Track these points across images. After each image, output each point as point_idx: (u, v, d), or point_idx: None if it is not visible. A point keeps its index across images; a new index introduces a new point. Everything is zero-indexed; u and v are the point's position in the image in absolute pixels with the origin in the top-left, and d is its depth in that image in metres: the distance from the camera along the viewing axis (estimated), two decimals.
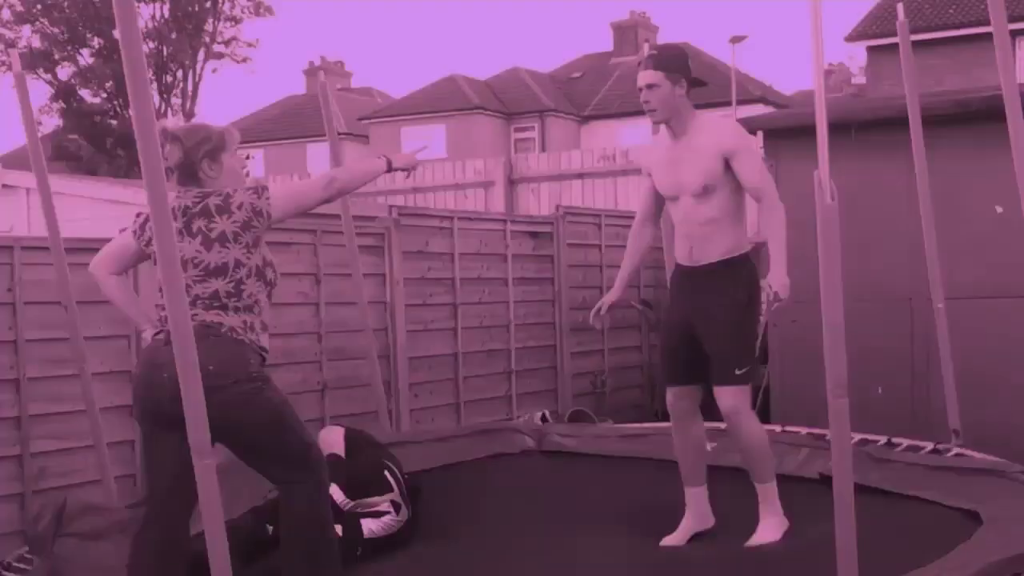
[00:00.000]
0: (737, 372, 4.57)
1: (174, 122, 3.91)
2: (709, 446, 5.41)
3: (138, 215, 3.98)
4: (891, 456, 5.47)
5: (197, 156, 3.77)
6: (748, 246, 4.70)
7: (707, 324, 4.63)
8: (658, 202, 4.94)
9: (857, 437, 5.56)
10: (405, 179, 3.94)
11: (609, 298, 5.01)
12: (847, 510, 3.23)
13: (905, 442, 5.76)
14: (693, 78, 4.69)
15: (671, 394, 4.86)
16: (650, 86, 4.62)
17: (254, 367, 3.69)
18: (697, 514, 4.87)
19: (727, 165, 4.55)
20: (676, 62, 4.66)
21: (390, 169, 4.06)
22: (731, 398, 4.59)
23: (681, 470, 4.90)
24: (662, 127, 4.77)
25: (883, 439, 5.80)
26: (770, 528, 4.67)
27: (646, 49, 7.01)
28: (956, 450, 5.51)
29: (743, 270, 4.61)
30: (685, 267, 4.77)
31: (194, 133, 3.81)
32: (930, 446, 5.62)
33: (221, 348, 3.61)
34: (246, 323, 3.71)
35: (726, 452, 5.70)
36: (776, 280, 4.34)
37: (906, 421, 6.78)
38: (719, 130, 4.65)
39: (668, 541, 4.77)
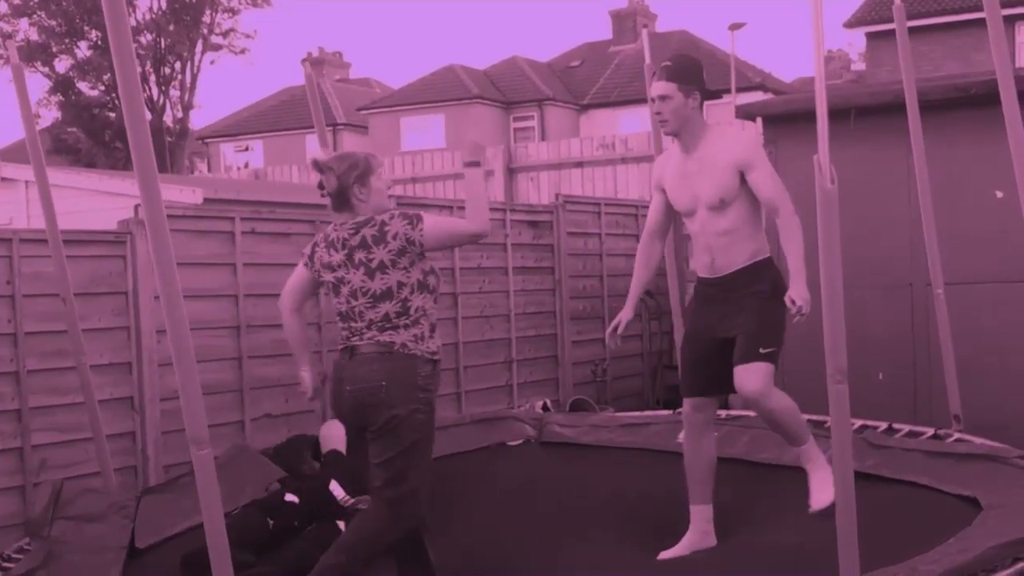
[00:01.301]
0: (762, 350, 4.43)
1: (322, 154, 4.14)
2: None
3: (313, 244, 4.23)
4: (889, 443, 5.47)
5: (349, 182, 4.05)
6: (768, 250, 4.62)
7: (733, 318, 4.53)
8: (668, 216, 4.86)
9: (857, 423, 5.56)
10: (489, 175, 4.04)
11: (623, 316, 4.90)
12: (848, 496, 3.23)
13: (906, 428, 5.76)
14: (707, 89, 4.61)
15: (689, 405, 4.75)
16: (662, 97, 4.54)
17: (423, 378, 4.01)
18: (699, 532, 4.73)
19: (742, 178, 4.47)
20: (689, 73, 4.58)
21: (480, 167, 4.21)
22: (755, 379, 4.40)
23: (689, 485, 4.77)
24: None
25: (884, 425, 5.79)
26: (824, 483, 4.45)
27: (644, 36, 7.02)
28: (956, 436, 5.51)
29: (766, 269, 4.55)
30: (708, 278, 4.69)
31: (342, 161, 4.09)
32: (930, 432, 5.61)
33: (394, 364, 3.97)
34: (416, 336, 4.01)
35: (727, 442, 5.73)
36: (797, 294, 4.25)
37: (907, 407, 6.78)
38: (732, 143, 4.56)
39: (666, 555, 4.65)
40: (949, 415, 5.71)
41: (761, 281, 4.49)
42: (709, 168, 4.52)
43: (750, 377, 4.43)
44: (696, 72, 4.61)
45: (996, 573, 3.58)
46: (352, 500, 5.01)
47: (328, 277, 4.12)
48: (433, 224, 4.02)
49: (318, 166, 4.08)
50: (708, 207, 4.55)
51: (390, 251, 3.97)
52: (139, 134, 3.00)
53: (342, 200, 4.08)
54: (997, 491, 4.43)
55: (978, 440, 5.31)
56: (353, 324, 4.06)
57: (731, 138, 4.62)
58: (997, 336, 6.77)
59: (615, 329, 4.88)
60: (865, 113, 7.01)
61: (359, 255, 4.01)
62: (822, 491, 4.45)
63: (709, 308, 4.67)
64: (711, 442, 4.79)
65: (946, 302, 5.62)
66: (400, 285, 3.99)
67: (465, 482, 5.84)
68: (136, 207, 6.10)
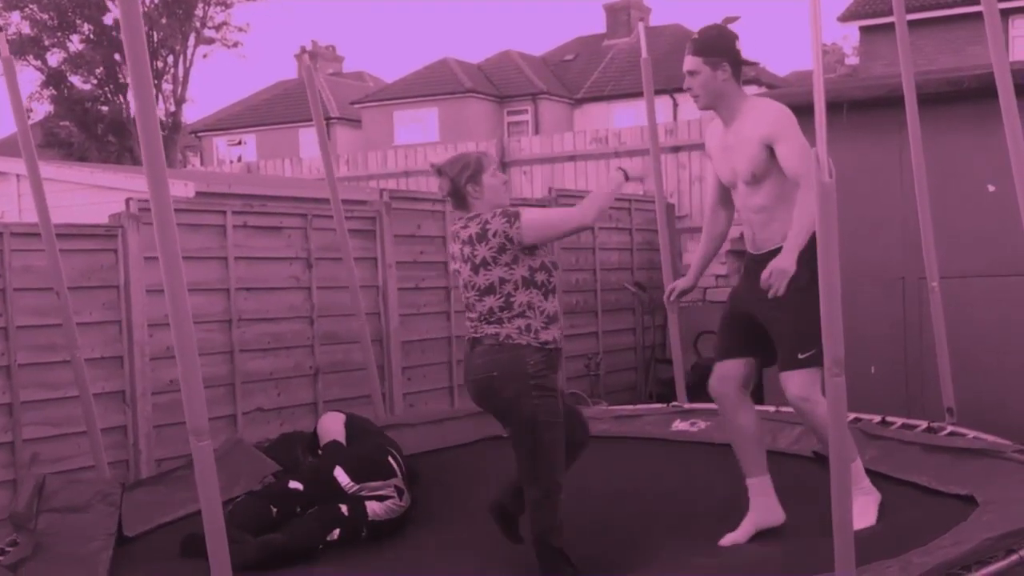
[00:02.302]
0: (800, 356, 4.28)
1: (440, 158, 4.47)
2: (694, 423, 5.34)
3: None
4: (886, 433, 5.47)
5: (462, 182, 4.32)
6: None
7: (768, 309, 4.34)
8: (726, 186, 4.72)
9: (851, 416, 5.55)
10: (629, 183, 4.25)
11: (681, 284, 4.86)
12: (844, 488, 3.21)
13: (899, 421, 5.76)
14: (740, 59, 4.45)
15: (714, 375, 4.63)
16: (690, 72, 4.44)
17: (533, 366, 4.16)
18: (759, 507, 4.57)
19: (772, 152, 4.34)
20: (716, 45, 4.44)
21: (628, 178, 4.34)
22: (796, 385, 4.33)
23: (739, 460, 4.65)
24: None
25: (877, 418, 5.79)
26: (863, 508, 4.33)
27: (639, 29, 6.99)
28: (950, 428, 5.50)
29: (805, 252, 4.12)
30: (752, 254, 4.58)
31: (455, 163, 4.39)
32: (924, 425, 5.61)
33: (502, 356, 4.18)
34: (521, 328, 4.18)
35: (719, 430, 5.72)
36: (779, 262, 4.14)
37: (901, 400, 6.79)
38: (762, 115, 4.40)
39: (728, 540, 4.49)
40: (942, 408, 5.70)
41: (799, 267, 4.15)
42: (743, 142, 4.42)
43: (790, 383, 4.36)
44: (724, 42, 4.46)
45: (990, 565, 3.58)
46: (356, 487, 5.03)
47: (452, 267, 4.44)
48: (531, 219, 4.17)
49: (436, 169, 4.41)
50: (744, 182, 4.47)
51: (491, 248, 4.17)
52: (149, 130, 3.01)
53: (459, 199, 4.37)
54: (994, 488, 4.41)
55: (971, 433, 5.30)
56: (470, 315, 4.31)
57: (763, 111, 4.43)
58: (990, 330, 6.77)
59: (670, 294, 4.85)
60: (858, 107, 7.00)
61: (466, 250, 4.25)
62: (860, 517, 4.21)
63: (748, 284, 4.53)
64: (748, 414, 4.61)
65: (940, 295, 5.61)
66: (502, 281, 4.18)
67: (459, 473, 5.85)
68: (127, 200, 6.08)
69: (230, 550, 4.39)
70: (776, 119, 4.36)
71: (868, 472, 4.76)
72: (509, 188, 4.47)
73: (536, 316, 4.18)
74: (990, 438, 5.13)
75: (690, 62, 4.44)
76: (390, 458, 5.24)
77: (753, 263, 4.53)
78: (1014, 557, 3.64)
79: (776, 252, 4.29)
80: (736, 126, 4.47)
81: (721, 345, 4.67)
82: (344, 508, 4.93)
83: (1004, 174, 4.55)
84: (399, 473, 5.19)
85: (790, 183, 4.34)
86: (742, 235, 4.75)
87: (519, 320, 4.17)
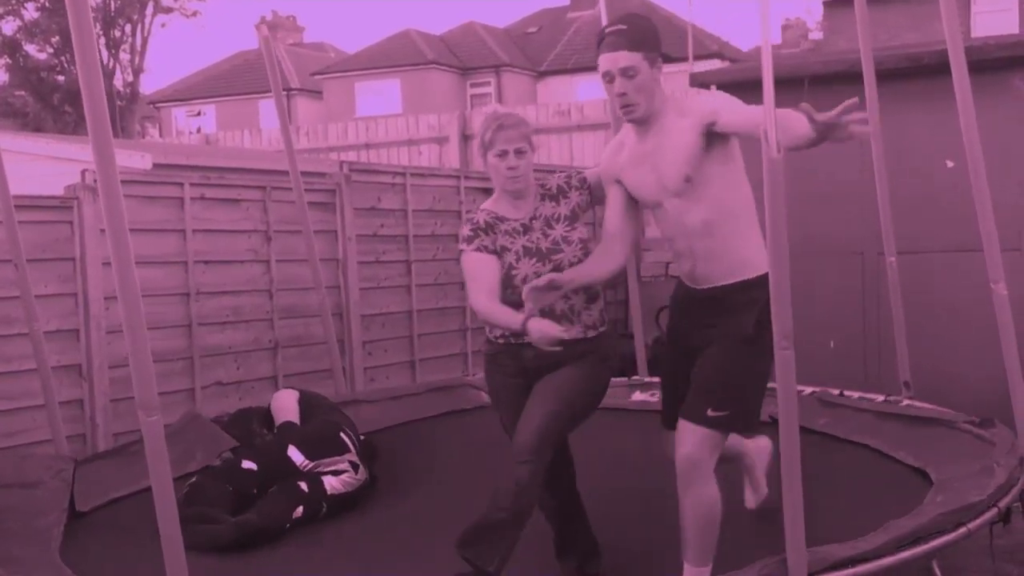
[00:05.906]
0: (710, 413, 3.44)
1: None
2: (653, 394, 5.34)
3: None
4: (840, 401, 5.56)
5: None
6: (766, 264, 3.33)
7: (708, 343, 3.56)
8: (631, 215, 3.81)
9: (808, 390, 5.62)
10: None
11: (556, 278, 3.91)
12: (793, 469, 3.21)
13: (856, 394, 5.82)
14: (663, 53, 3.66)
15: (665, 442, 3.76)
16: (626, 71, 3.50)
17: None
18: None
19: (710, 140, 3.47)
20: (653, 37, 3.58)
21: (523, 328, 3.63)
22: (692, 443, 3.44)
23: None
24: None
25: (835, 392, 5.85)
26: None
27: (601, 1, 6.93)
28: (906, 402, 5.57)
29: (759, 291, 3.33)
30: (687, 287, 3.73)
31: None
32: (880, 398, 5.68)
33: None
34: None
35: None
36: None
37: (858, 374, 6.85)
38: (690, 105, 3.59)
39: None
40: (899, 382, 5.77)
41: (747, 311, 3.48)
42: (668, 142, 3.56)
43: (686, 437, 3.47)
44: (657, 35, 3.65)
45: (940, 538, 3.63)
46: (311, 464, 5.03)
47: None
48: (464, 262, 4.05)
49: None
50: (675, 193, 3.56)
51: None
52: (94, 96, 2.93)
53: None
54: (947, 462, 4.47)
55: (927, 405, 5.38)
56: None
57: (689, 102, 3.64)
58: (947, 305, 6.84)
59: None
60: (818, 82, 7.01)
61: None
62: None
63: (683, 327, 3.76)
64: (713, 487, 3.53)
65: (898, 270, 5.66)
66: None
67: (421, 447, 5.87)
68: (83, 172, 6.00)
69: (207, 531, 4.43)
70: (712, 99, 3.62)
71: (823, 436, 4.79)
72: (518, 170, 4.11)
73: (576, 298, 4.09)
74: (946, 411, 5.20)
75: (627, 58, 3.49)
76: (342, 433, 5.25)
77: (688, 301, 3.73)
78: (962, 530, 3.70)
79: (714, 291, 3.58)
80: (657, 128, 3.59)
81: (665, 413, 3.86)
82: (304, 485, 4.93)
83: (962, 150, 4.58)
84: (352, 448, 5.20)
85: (736, 188, 3.56)
86: None
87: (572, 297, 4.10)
